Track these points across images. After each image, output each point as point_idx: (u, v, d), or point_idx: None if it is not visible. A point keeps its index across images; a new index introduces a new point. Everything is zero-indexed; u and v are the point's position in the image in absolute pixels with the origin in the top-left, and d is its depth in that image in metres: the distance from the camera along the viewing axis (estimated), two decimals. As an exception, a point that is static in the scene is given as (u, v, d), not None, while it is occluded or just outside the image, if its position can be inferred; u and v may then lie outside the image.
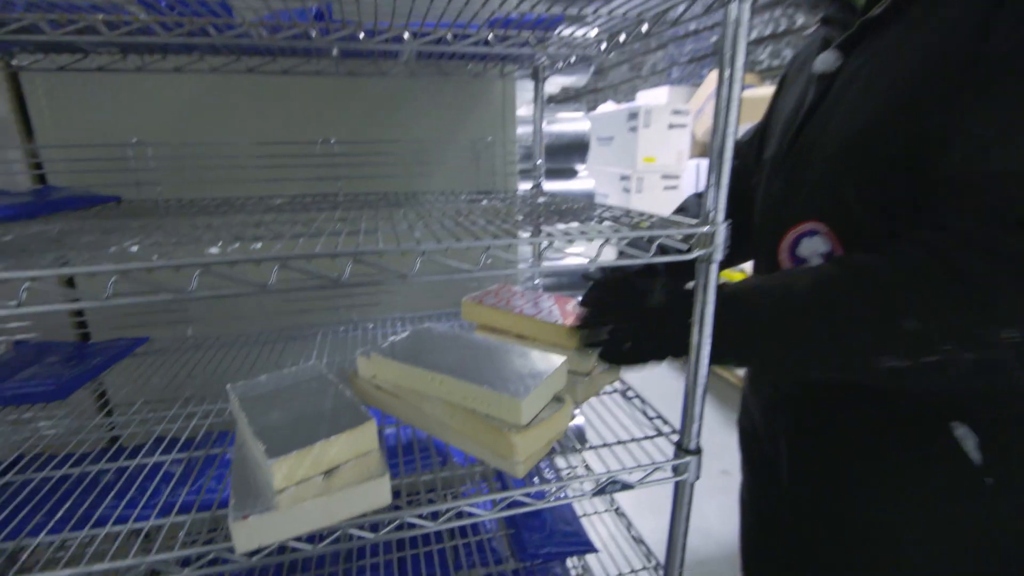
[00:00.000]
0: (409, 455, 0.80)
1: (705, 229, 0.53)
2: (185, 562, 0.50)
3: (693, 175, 3.57)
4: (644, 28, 0.63)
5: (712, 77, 3.94)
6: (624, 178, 3.40)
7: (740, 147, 0.84)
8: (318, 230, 0.59)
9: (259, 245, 0.49)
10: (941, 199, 0.47)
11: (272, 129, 0.97)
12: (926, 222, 0.48)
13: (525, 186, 1.11)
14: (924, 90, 0.49)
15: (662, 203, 3.47)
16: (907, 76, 0.51)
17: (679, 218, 0.56)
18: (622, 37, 0.70)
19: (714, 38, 5.51)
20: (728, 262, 0.86)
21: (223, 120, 0.95)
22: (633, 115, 3.25)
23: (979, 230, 0.43)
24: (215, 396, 0.80)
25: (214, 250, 0.46)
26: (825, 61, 0.60)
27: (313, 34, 0.63)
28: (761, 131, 0.81)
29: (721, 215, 0.53)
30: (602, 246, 0.52)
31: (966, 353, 0.42)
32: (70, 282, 0.91)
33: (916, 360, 0.44)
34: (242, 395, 0.61)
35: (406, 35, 0.66)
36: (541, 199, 0.95)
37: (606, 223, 0.60)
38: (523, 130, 1.11)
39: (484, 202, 0.91)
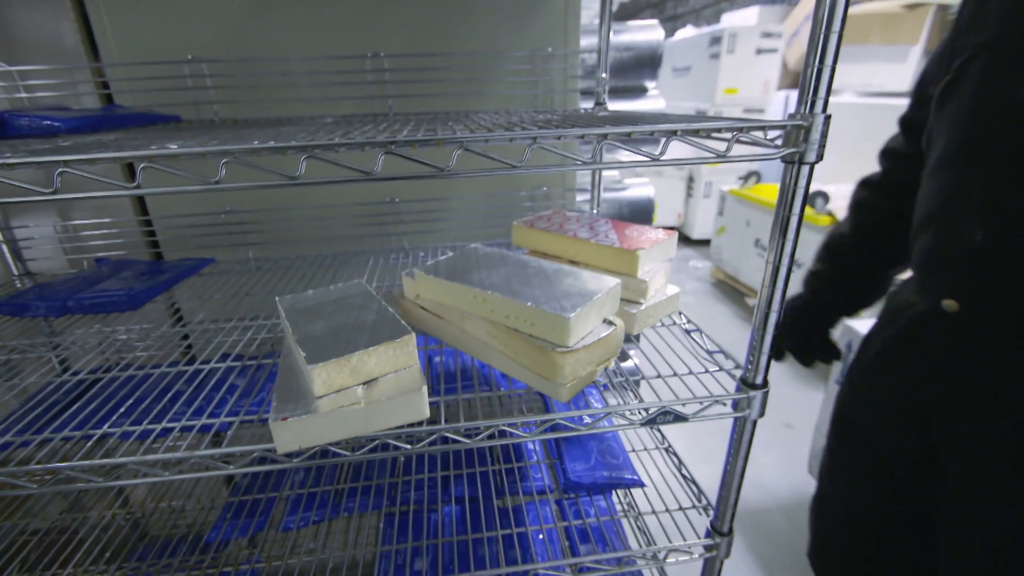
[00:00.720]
0: (451, 382, 0.79)
1: (799, 122, 0.44)
2: (229, 459, 0.51)
3: (781, 108, 3.21)
4: None
5: (812, -7, 3.44)
6: (701, 113, 3.11)
7: (929, 72, 0.69)
8: (358, 135, 0.55)
9: (292, 143, 0.46)
10: None
11: (322, 44, 0.93)
12: None
13: (587, 105, 1.02)
14: None
15: (741, 140, 3.17)
16: None
17: (760, 120, 0.47)
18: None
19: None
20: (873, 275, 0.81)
21: (274, 33, 0.92)
22: (716, 39, 2.91)
23: None
24: (271, 312, 0.82)
25: (240, 146, 0.44)
26: None
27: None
28: (969, 19, 0.60)
29: (820, 106, 0.44)
30: (667, 140, 0.44)
31: None
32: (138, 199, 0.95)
33: None
34: (289, 308, 0.61)
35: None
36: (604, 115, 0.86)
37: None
38: (587, 42, 1.00)
39: (540, 117, 0.84)
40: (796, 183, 0.45)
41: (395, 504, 0.86)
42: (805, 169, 0.45)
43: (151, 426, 0.59)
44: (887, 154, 0.81)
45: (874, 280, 0.81)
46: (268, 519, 0.86)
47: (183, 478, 0.53)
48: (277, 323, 0.80)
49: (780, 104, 3.09)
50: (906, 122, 0.77)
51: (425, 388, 0.51)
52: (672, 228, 0.81)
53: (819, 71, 0.43)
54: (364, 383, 0.52)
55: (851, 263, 0.82)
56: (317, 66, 0.92)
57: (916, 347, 0.65)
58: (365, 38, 0.93)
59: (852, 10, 2.83)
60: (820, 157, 0.44)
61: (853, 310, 0.84)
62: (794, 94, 2.83)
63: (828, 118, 0.44)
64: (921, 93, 0.72)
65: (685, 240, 3.62)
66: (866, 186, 0.82)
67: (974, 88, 0.56)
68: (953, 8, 2.99)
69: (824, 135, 0.44)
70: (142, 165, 0.39)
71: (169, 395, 0.66)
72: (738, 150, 0.45)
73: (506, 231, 1.07)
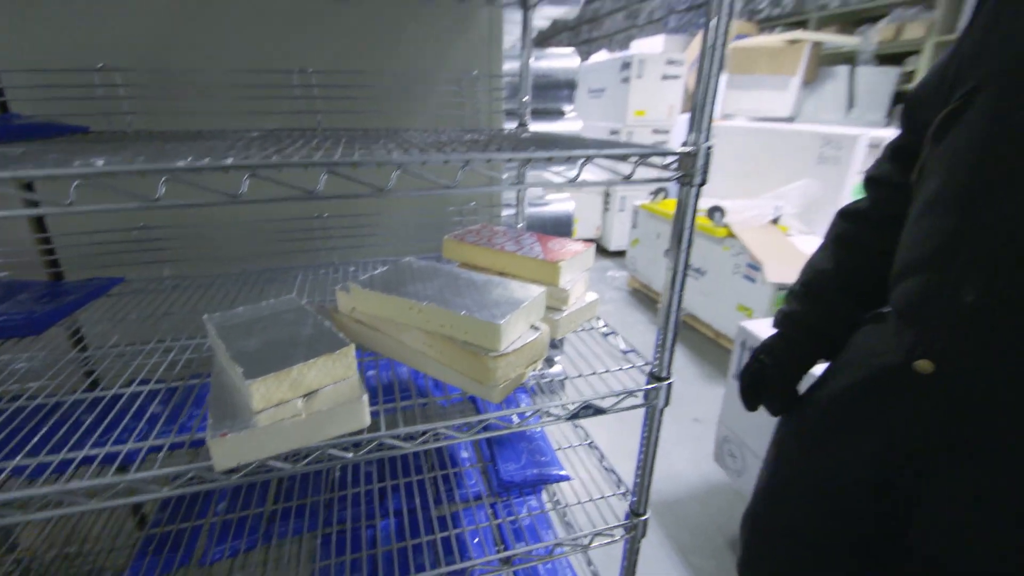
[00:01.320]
0: (388, 394, 0.81)
1: (688, 150, 0.52)
2: (165, 481, 0.51)
3: (684, 129, 3.53)
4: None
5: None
6: (614, 133, 3.33)
7: (919, 98, 0.63)
8: (293, 153, 0.57)
9: (230, 160, 0.48)
10: None
11: (247, 56, 0.92)
12: None
13: (510, 126, 1.09)
14: None
15: (652, 158, 3.43)
16: None
17: (659, 147, 0.56)
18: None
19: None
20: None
21: (195, 44, 0.90)
22: (626, 64, 3.16)
23: None
24: (193, 333, 0.80)
25: (181, 163, 0.44)
26: None
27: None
28: (970, 48, 0.54)
29: (704, 139, 0.53)
30: (583, 164, 0.51)
31: None
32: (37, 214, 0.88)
33: None
34: (219, 325, 0.61)
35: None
36: (526, 136, 0.93)
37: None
38: (509, 66, 1.07)
39: (467, 136, 0.89)
40: (687, 201, 0.54)
41: (331, 524, 0.86)
42: (695, 189, 0.54)
43: (48, 458, 0.55)
44: (875, 183, 0.70)
45: (854, 325, 0.68)
46: (191, 552, 0.82)
47: (103, 507, 0.51)
48: (202, 343, 0.78)
49: (683, 126, 3.40)
50: (898, 149, 0.68)
51: (366, 397, 0.54)
52: (591, 240, 0.88)
53: (703, 110, 0.52)
54: (304, 396, 0.53)
55: (835, 306, 0.69)
56: (242, 79, 0.91)
57: (878, 402, 0.57)
58: (293, 53, 0.94)
59: (744, 43, 3.19)
60: (704, 180, 0.53)
61: (830, 358, 0.70)
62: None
63: (710, 148, 0.53)
64: (912, 119, 0.64)
65: (603, 252, 3.83)
66: (850, 218, 0.71)
67: (981, 123, 0.48)
68: (826, 44, 3.46)
69: (707, 162, 0.53)
70: (75, 183, 0.39)
71: (72, 425, 0.62)
72: (642, 172, 0.53)
73: (436, 244, 1.10)
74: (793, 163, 2.42)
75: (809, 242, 2.25)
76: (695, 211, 0.55)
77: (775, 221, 2.37)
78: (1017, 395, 0.46)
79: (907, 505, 0.53)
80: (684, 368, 2.39)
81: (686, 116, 3.36)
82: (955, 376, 0.49)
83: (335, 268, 1.05)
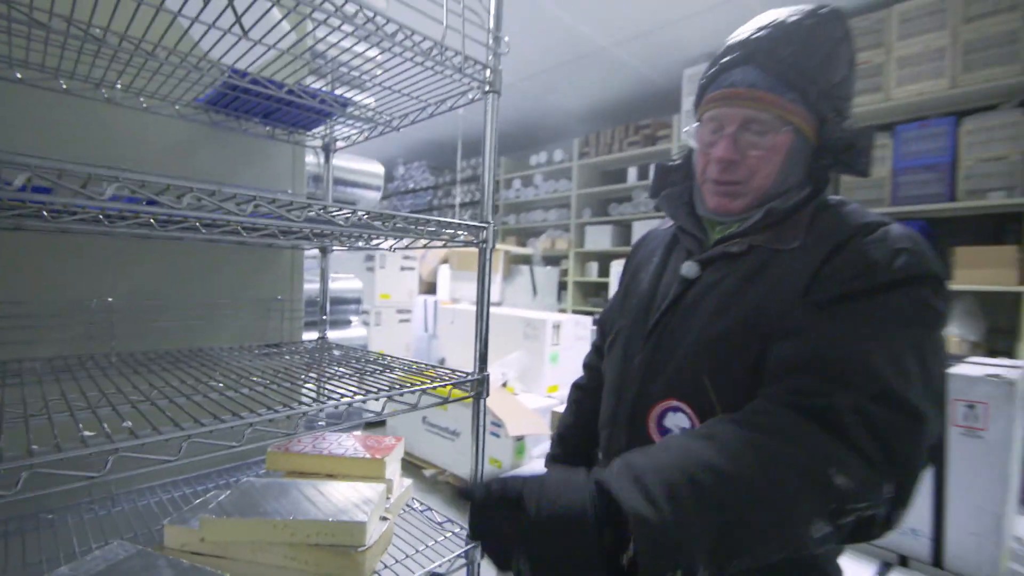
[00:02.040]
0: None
1: (479, 376, 0.85)
2: None
3: (422, 309, 4.12)
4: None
5: (430, 229, 4.76)
6: (364, 312, 3.66)
7: (604, 321, 0.97)
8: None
9: None
10: (798, 376, 0.56)
11: (33, 286, 0.89)
12: (779, 392, 0.56)
13: (310, 335, 1.26)
14: (768, 315, 0.63)
15: (398, 335, 3.83)
16: (755, 304, 0.65)
17: (452, 370, 0.87)
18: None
19: (428, 196, 6.67)
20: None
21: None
22: (370, 257, 3.64)
23: (852, 402, 0.51)
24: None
25: None
26: (690, 269, 0.73)
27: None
28: (620, 304, 0.88)
29: (485, 368, 0.86)
30: (386, 403, 0.76)
31: (872, 510, 0.50)
32: None
33: (837, 521, 0.49)
34: (50, 592, 0.57)
35: (198, 224, 0.79)
36: (337, 352, 1.13)
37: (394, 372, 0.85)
38: (310, 286, 1.28)
39: (276, 359, 1.03)
40: (480, 409, 0.84)
41: None
42: (483, 402, 0.85)
43: None
44: (587, 367, 1.01)
45: (592, 458, 0.93)
46: None
47: None
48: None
49: (421, 307, 3.98)
50: (596, 347, 1.00)
51: (250, 620, 0.59)
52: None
53: (484, 345, 0.86)
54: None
55: (578, 447, 0.95)
56: (17, 309, 0.86)
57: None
58: (92, 284, 0.94)
59: (461, 251, 4.11)
60: (488, 393, 0.85)
61: None
62: (430, 298, 3.70)
63: (488, 375, 0.86)
64: (601, 331, 0.96)
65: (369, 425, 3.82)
66: (577, 389, 1.01)
67: (619, 351, 0.79)
68: (512, 252, 4.74)
69: (488, 385, 0.85)
70: None
71: None
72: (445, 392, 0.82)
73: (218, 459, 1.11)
74: (507, 339, 3.16)
75: (531, 399, 2.88)
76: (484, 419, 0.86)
77: (504, 384, 2.96)
78: None
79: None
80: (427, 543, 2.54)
81: (422, 297, 3.95)
82: None
83: (105, 503, 0.94)
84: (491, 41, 0.82)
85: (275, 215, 0.60)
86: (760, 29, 0.69)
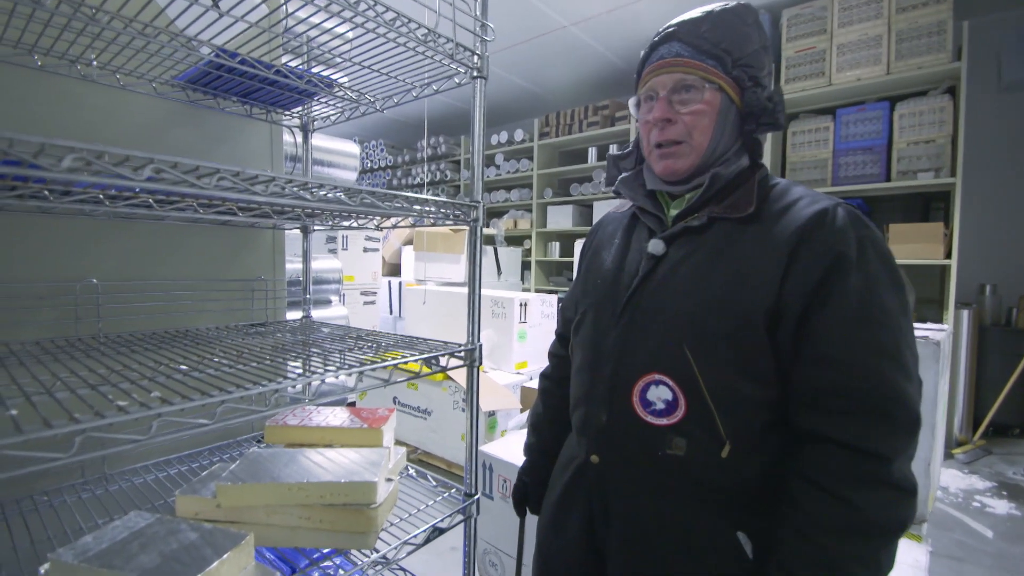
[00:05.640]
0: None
1: (471, 347, 0.91)
2: None
3: (386, 290, 4.10)
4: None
5: (393, 210, 4.71)
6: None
7: (567, 308, 1.01)
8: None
9: None
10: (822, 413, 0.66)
11: (15, 267, 0.87)
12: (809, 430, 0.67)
13: (294, 314, 1.28)
14: (743, 289, 0.69)
15: (363, 317, 3.82)
16: (729, 278, 0.70)
17: (444, 342, 0.92)
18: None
19: (387, 176, 6.55)
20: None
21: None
22: (332, 239, 3.58)
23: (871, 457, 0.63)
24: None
25: None
26: (656, 246, 0.77)
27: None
28: (582, 286, 0.92)
29: (477, 339, 0.92)
30: (359, 379, 0.81)
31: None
32: None
33: None
34: (82, 555, 0.60)
35: (151, 200, 0.77)
36: (325, 329, 1.16)
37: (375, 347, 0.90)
38: (292, 266, 1.29)
39: (260, 338, 1.05)
40: (474, 377, 0.91)
41: None
42: (475, 369, 0.91)
43: None
44: (552, 356, 1.05)
45: (563, 442, 0.98)
46: None
47: None
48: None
49: (385, 289, 3.97)
50: (560, 336, 1.04)
51: (278, 573, 0.64)
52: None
53: (474, 320, 0.92)
54: (219, 591, 0.60)
55: (549, 432, 1.01)
56: (8, 291, 0.85)
57: (582, 488, 0.82)
58: (75, 265, 0.93)
59: (426, 230, 4.10)
60: (481, 360, 0.92)
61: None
62: (394, 280, 3.70)
63: (481, 346, 0.92)
64: (564, 318, 1.02)
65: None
66: (545, 379, 1.05)
67: (590, 328, 0.83)
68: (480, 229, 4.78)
69: (481, 354, 0.92)
70: None
71: None
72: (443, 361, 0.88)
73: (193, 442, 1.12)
74: (477, 317, 3.23)
75: (501, 376, 2.97)
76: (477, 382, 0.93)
77: (474, 362, 3.03)
78: (628, 471, 0.76)
79: (604, 543, 0.79)
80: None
81: (387, 279, 3.93)
82: (607, 463, 0.78)
83: (98, 482, 0.94)
84: (478, 28, 0.85)
85: (240, 189, 0.60)
86: (682, 17, 0.78)
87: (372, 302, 3.98)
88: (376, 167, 6.55)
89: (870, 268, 0.67)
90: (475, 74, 0.87)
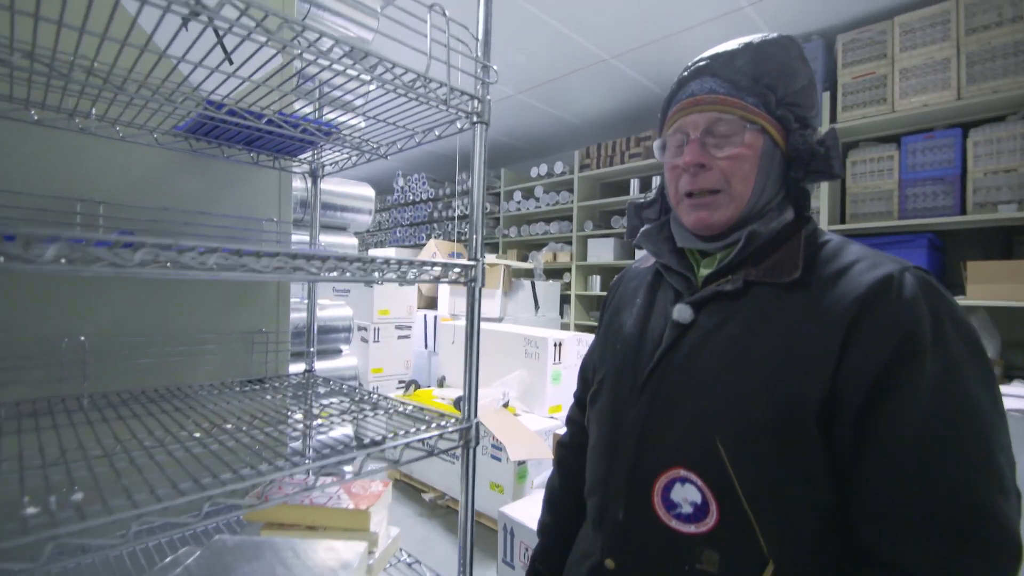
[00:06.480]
0: None
1: (466, 425, 0.79)
2: None
3: (422, 324, 4.06)
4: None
5: (432, 242, 4.73)
6: (362, 329, 3.61)
7: (586, 368, 0.90)
8: None
9: None
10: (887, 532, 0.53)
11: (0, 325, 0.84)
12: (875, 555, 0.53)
13: (297, 367, 1.21)
14: (790, 373, 0.57)
15: (397, 351, 3.78)
16: (771, 359, 0.58)
17: (441, 412, 0.81)
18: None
19: (428, 209, 6.65)
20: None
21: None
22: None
23: None
24: None
25: None
26: (683, 313, 0.66)
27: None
28: (600, 350, 0.82)
29: (473, 414, 0.81)
30: (363, 461, 0.70)
31: None
32: None
33: None
34: None
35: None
36: (323, 388, 1.08)
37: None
38: (295, 316, 1.23)
39: (257, 398, 0.98)
40: (469, 459, 0.79)
41: None
42: (471, 452, 0.80)
43: None
44: (570, 421, 0.94)
45: (582, 521, 0.84)
46: None
47: None
48: None
49: (420, 322, 3.93)
50: (579, 400, 0.93)
51: None
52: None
53: (470, 397, 0.80)
54: None
55: (566, 512, 0.88)
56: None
57: None
58: (64, 319, 0.90)
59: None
60: (478, 441, 0.80)
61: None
62: (430, 313, 3.65)
63: (479, 424, 0.81)
64: (584, 381, 0.90)
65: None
66: (561, 447, 0.94)
67: (607, 399, 0.72)
68: (513, 266, 4.70)
69: (478, 433, 0.80)
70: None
71: None
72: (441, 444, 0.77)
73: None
74: (508, 357, 3.10)
75: (533, 420, 2.82)
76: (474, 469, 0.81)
77: (505, 405, 2.90)
78: None
79: None
80: (452, 553, 2.47)
81: (422, 312, 3.90)
82: (623, 572, 0.66)
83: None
84: (479, 71, 0.77)
85: (243, 268, 0.55)
86: (716, 50, 0.68)
87: (407, 336, 3.94)
88: (418, 199, 6.67)
89: (950, 350, 0.53)
90: (475, 119, 0.78)
